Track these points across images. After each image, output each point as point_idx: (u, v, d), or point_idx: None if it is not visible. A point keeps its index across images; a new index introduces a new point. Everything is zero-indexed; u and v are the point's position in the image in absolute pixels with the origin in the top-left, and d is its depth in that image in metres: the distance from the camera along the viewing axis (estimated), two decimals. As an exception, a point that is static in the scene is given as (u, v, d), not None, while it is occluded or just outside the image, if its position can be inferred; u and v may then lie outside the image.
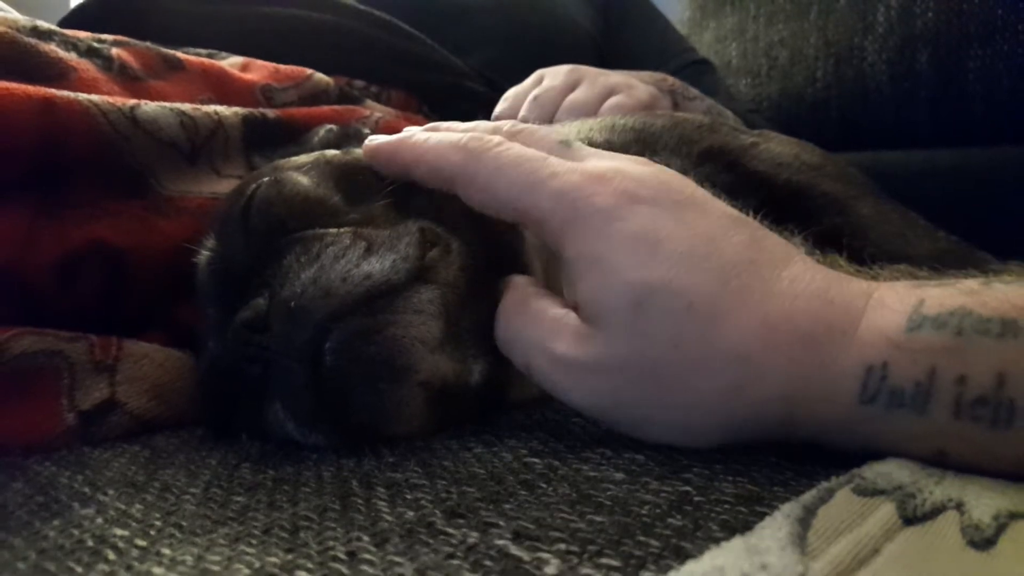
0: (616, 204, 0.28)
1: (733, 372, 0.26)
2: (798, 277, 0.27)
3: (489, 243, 0.35)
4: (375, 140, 0.38)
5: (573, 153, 0.32)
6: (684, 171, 0.32)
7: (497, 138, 0.33)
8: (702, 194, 0.30)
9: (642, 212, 0.28)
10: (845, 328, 0.25)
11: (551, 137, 0.33)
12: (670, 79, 0.81)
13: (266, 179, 0.37)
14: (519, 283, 0.34)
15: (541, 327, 0.31)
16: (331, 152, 0.44)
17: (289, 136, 0.53)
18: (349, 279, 0.30)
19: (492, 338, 0.33)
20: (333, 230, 0.33)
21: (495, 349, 0.33)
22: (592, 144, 0.35)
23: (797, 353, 0.26)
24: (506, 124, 0.35)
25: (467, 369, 0.34)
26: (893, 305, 0.25)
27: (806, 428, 0.27)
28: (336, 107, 0.61)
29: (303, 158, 0.42)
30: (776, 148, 0.52)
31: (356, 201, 0.37)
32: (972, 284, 0.25)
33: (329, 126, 0.54)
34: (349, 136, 0.53)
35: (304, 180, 0.37)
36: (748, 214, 0.30)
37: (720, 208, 0.29)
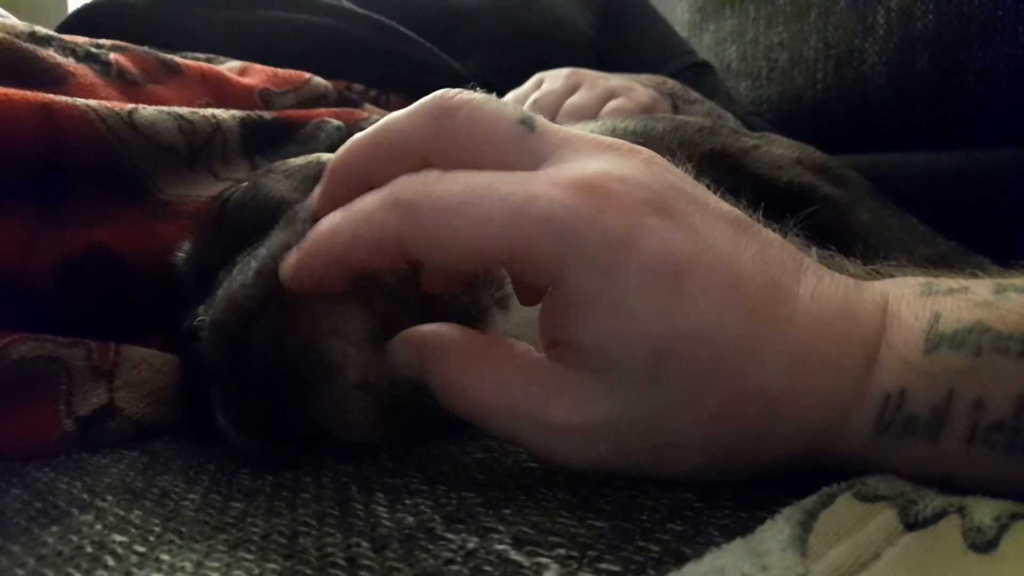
0: (626, 227, 0.24)
1: (760, 417, 0.24)
2: (817, 293, 0.25)
3: None
4: (288, 261, 0.27)
5: (537, 141, 0.26)
6: None
7: (433, 174, 0.25)
8: (701, 190, 0.27)
9: (653, 230, 0.24)
10: (870, 352, 0.23)
11: (505, 115, 0.26)
12: (670, 82, 0.81)
13: (244, 184, 0.36)
14: (449, 331, 0.27)
15: (525, 388, 0.25)
16: (327, 156, 0.43)
17: (288, 137, 0.52)
18: (247, 279, 0.27)
19: None
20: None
21: None
22: None
23: (825, 385, 0.23)
24: (435, 106, 0.27)
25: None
26: (909, 322, 0.23)
27: (820, 461, 0.25)
28: (334, 109, 0.61)
29: (299, 160, 0.42)
30: (777, 151, 0.52)
31: None
32: (986, 293, 0.23)
33: (338, 123, 0.52)
34: None
35: (279, 184, 0.36)
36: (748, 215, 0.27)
37: (720, 208, 0.26)
